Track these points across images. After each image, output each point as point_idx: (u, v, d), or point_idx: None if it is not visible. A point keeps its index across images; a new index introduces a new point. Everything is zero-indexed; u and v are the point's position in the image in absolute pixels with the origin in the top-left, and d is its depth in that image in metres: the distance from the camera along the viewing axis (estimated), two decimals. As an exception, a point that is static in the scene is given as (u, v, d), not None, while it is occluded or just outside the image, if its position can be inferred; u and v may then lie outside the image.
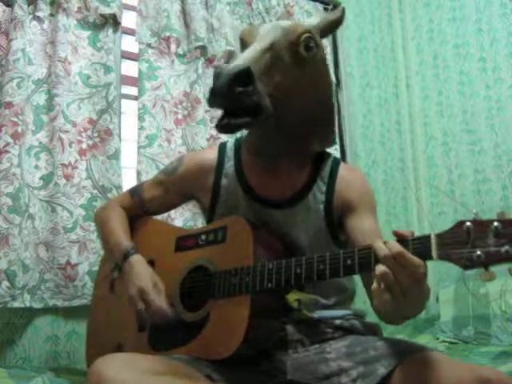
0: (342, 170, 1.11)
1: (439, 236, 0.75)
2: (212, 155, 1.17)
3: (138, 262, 1.08)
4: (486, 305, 1.94)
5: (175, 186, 1.19)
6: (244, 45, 1.04)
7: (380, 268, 0.75)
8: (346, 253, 0.85)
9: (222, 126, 0.92)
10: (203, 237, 1.08)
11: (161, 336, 1.05)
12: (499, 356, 1.64)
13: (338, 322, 1.05)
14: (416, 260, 0.73)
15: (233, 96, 0.88)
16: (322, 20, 1.11)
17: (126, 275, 1.07)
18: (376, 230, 1.05)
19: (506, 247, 0.70)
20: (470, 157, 2.51)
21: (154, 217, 1.27)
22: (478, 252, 0.71)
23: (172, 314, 1.02)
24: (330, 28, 1.11)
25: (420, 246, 0.76)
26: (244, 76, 0.88)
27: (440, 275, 2.35)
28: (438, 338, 2.00)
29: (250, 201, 1.09)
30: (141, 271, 1.06)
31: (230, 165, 1.14)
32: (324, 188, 1.08)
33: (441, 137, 2.66)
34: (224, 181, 1.13)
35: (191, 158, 1.21)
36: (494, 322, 1.88)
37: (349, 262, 0.84)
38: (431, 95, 2.72)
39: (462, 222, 0.74)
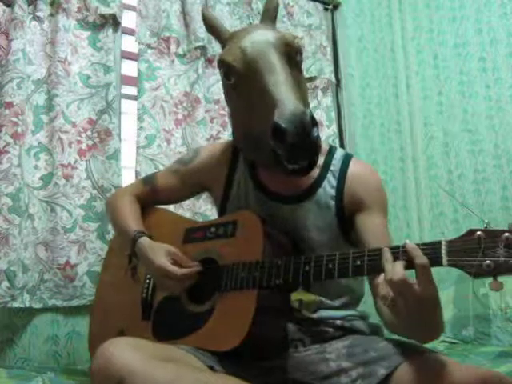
0: (354, 164, 1.09)
1: (450, 243, 0.76)
2: (227, 149, 1.18)
3: (145, 244, 1.08)
4: (485, 305, 1.94)
5: (190, 175, 1.21)
6: (236, 73, 0.98)
7: (383, 290, 0.77)
8: (355, 253, 0.85)
9: (305, 169, 0.90)
10: (212, 229, 1.08)
11: (165, 325, 1.05)
12: (499, 356, 1.64)
13: (338, 322, 1.05)
14: (419, 291, 0.75)
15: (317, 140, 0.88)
16: (269, 12, 1.11)
17: (142, 260, 1.09)
18: (385, 231, 1.04)
19: None
20: (470, 157, 2.51)
21: (164, 207, 1.27)
22: (488, 261, 0.72)
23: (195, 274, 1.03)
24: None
25: (430, 253, 0.76)
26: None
27: (440, 275, 2.35)
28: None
29: (260, 195, 1.10)
30: (151, 251, 1.06)
31: (243, 160, 1.15)
32: (335, 182, 1.07)
33: (441, 137, 2.65)
34: (237, 175, 1.15)
35: (208, 149, 1.22)
36: (494, 322, 1.88)
37: (358, 262, 0.84)
38: (431, 95, 2.71)
39: (473, 231, 0.75)
